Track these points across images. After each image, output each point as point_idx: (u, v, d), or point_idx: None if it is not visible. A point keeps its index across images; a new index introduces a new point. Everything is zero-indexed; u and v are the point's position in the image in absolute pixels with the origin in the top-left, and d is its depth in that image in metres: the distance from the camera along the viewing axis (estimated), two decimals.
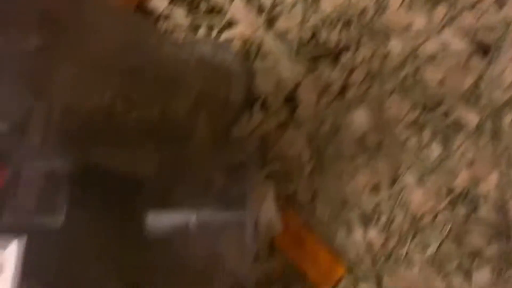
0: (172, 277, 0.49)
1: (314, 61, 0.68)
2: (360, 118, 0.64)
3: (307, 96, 0.67)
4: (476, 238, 0.58)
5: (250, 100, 0.67)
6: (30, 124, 0.36)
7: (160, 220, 0.44)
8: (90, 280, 0.42)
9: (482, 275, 0.56)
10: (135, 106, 0.52)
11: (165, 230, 0.44)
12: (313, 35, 0.67)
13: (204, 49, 0.64)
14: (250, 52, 0.68)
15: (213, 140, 0.60)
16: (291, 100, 0.67)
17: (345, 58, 0.66)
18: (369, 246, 0.60)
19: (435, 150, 0.62)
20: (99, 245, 0.42)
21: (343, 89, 0.66)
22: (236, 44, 0.66)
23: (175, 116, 0.55)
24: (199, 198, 0.48)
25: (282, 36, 0.67)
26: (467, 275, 0.57)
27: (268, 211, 0.62)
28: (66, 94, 0.44)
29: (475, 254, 0.57)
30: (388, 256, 0.59)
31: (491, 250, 0.57)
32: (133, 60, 0.54)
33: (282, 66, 0.68)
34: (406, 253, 0.59)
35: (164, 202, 0.45)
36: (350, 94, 0.66)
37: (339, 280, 0.59)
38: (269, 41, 0.67)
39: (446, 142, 0.62)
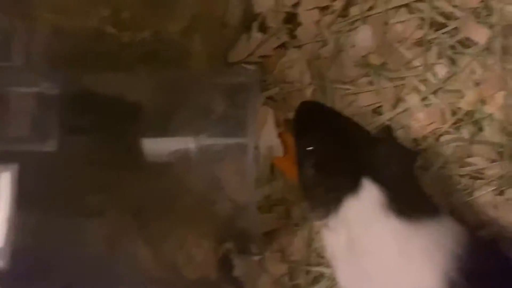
0: (172, 202, 0.49)
1: None
2: (363, 38, 0.62)
3: (307, 16, 0.63)
4: (479, 160, 0.57)
5: (248, 20, 0.64)
6: (13, 45, 0.34)
7: (158, 146, 0.43)
8: (87, 208, 0.42)
9: (484, 195, 0.57)
10: (127, 27, 0.49)
11: (163, 156, 0.44)
12: None
13: None
14: None
15: (210, 64, 0.58)
16: (290, 20, 0.64)
17: None
18: None
19: (441, 70, 0.60)
20: (95, 172, 0.41)
21: (346, 7, 0.63)
22: None
23: (169, 38, 0.52)
24: (198, 123, 0.47)
25: None
26: (470, 195, 0.57)
27: (268, 135, 0.61)
28: (51, 14, 0.41)
29: (478, 175, 0.57)
30: None
31: (493, 170, 0.57)
32: None
33: None
34: None
35: (162, 128, 0.44)
36: (353, 12, 0.63)
37: None
38: None
39: (452, 61, 0.60)
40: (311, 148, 0.48)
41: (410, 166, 0.48)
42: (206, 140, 0.45)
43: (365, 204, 0.44)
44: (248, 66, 0.63)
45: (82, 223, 0.45)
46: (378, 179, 0.44)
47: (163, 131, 0.44)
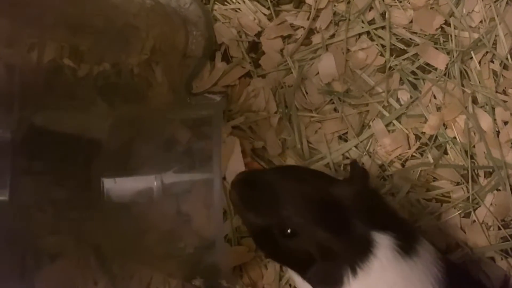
0: (135, 240, 0.47)
1: (277, 5, 0.64)
2: (326, 65, 0.62)
3: (270, 45, 0.63)
4: (444, 183, 0.58)
5: (211, 50, 0.63)
6: None
7: (119, 186, 0.41)
8: (46, 250, 0.39)
9: (452, 218, 0.57)
10: (83, 60, 0.47)
11: (125, 196, 0.42)
12: None
13: None
14: None
15: (173, 95, 0.57)
16: (254, 49, 0.64)
17: (310, 1, 0.63)
18: None
19: (403, 95, 0.61)
20: (54, 215, 0.39)
21: (308, 35, 0.63)
22: None
23: (129, 71, 0.51)
24: (161, 158, 0.45)
25: None
26: (437, 218, 0.57)
27: (235, 165, 0.60)
28: (2, 48, 0.39)
29: (444, 198, 0.58)
30: None
31: (459, 193, 0.58)
32: (79, 10, 0.49)
33: (243, 12, 0.64)
34: None
35: (123, 166, 0.42)
36: (315, 40, 0.63)
37: None
38: None
39: (414, 87, 0.61)
40: (288, 230, 0.40)
41: (384, 202, 0.46)
42: (170, 177, 0.43)
43: (384, 259, 0.40)
44: (213, 96, 0.62)
45: (42, 265, 0.43)
46: (381, 228, 0.40)
47: (123, 168, 0.42)
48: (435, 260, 0.43)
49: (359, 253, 0.40)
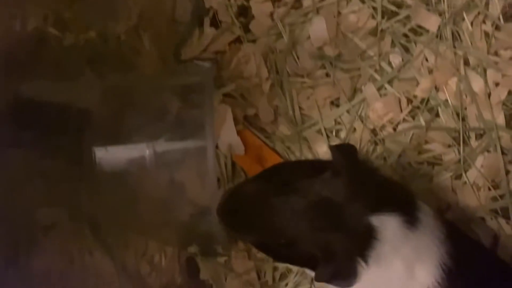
0: (130, 210, 0.47)
1: None
2: (317, 29, 0.61)
3: (260, 9, 0.62)
4: (436, 146, 0.58)
5: (199, 16, 0.62)
6: None
7: (110, 155, 0.41)
8: (40, 222, 0.39)
9: (443, 181, 0.58)
10: (69, 29, 0.46)
11: (117, 165, 0.41)
12: None
13: None
14: None
15: (162, 63, 0.56)
16: (243, 13, 0.62)
17: None
18: None
19: (395, 58, 0.60)
20: (45, 187, 0.39)
21: None
22: None
23: (116, 39, 0.49)
24: (152, 128, 0.45)
25: None
26: (429, 180, 0.58)
27: (228, 134, 0.60)
28: None
29: (436, 161, 0.58)
30: None
31: (450, 156, 0.58)
32: None
33: None
34: None
35: (114, 135, 0.42)
36: (306, 3, 0.62)
37: None
38: None
39: (406, 49, 0.60)
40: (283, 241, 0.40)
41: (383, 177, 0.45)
42: (162, 145, 0.43)
43: (393, 240, 0.39)
44: (202, 63, 0.61)
45: (37, 237, 0.43)
46: (382, 209, 0.40)
47: (115, 138, 0.42)
48: (436, 223, 0.43)
49: (365, 242, 0.39)
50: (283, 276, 0.59)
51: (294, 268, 0.58)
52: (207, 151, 0.43)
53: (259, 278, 0.59)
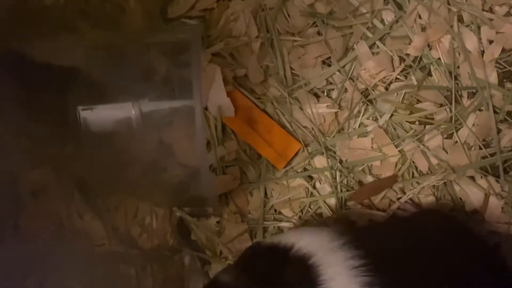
0: (119, 172, 0.46)
1: None
2: None
3: None
4: (428, 105, 0.58)
5: None
6: None
7: (96, 115, 0.40)
8: (28, 185, 0.39)
9: (434, 139, 0.57)
10: None
11: (103, 125, 0.40)
12: None
13: None
14: None
15: (148, 21, 0.54)
16: None
17: None
18: (322, 120, 0.59)
19: (388, 16, 0.59)
20: (30, 148, 0.38)
21: None
22: None
23: None
24: (140, 87, 0.44)
25: None
26: (420, 140, 0.58)
27: (217, 95, 0.58)
28: None
29: (427, 120, 0.58)
30: (341, 129, 0.59)
31: (442, 115, 0.58)
32: None
33: None
34: (360, 124, 0.59)
35: (99, 95, 0.40)
36: None
37: (295, 156, 0.59)
38: None
39: (399, 6, 0.59)
40: None
41: None
42: (150, 105, 0.42)
43: None
44: (190, 21, 0.59)
45: (25, 203, 0.42)
46: None
47: (100, 98, 0.40)
48: None
49: None
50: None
51: (285, 226, 0.58)
52: (195, 111, 0.42)
53: (250, 238, 0.59)
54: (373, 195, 0.57)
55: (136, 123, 0.41)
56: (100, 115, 0.40)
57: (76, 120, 0.39)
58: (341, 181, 0.58)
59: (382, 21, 0.59)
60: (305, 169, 0.59)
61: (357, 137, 0.58)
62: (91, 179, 0.46)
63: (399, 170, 0.57)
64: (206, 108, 0.59)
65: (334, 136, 0.58)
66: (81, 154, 0.41)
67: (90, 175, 0.46)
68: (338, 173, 0.58)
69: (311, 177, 0.59)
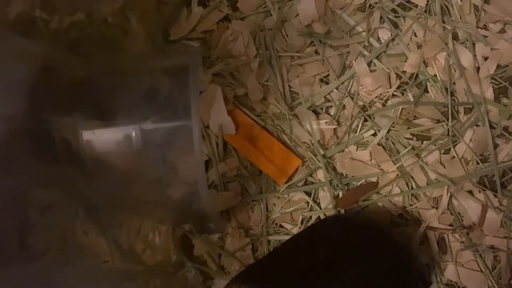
0: (123, 190, 0.47)
1: None
2: (306, 6, 0.61)
3: None
4: (425, 121, 0.59)
5: None
6: None
7: (101, 137, 0.41)
8: (35, 203, 0.40)
9: (432, 155, 0.58)
10: (56, 11, 0.46)
11: (108, 147, 0.42)
12: None
13: None
14: None
15: (150, 44, 0.56)
16: None
17: None
18: (321, 136, 0.60)
19: (384, 34, 0.60)
20: (40, 168, 0.39)
21: None
22: None
23: (102, 20, 0.49)
24: (140, 109, 0.45)
25: None
26: (418, 155, 0.58)
27: (218, 113, 0.60)
28: None
29: (424, 136, 0.59)
30: (339, 144, 0.60)
31: (439, 130, 0.59)
32: None
33: None
34: (358, 138, 0.60)
35: (101, 116, 0.42)
36: None
37: (295, 172, 0.60)
38: None
39: (395, 25, 0.60)
40: None
41: None
42: (152, 125, 0.43)
43: None
44: (191, 43, 0.61)
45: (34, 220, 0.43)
46: None
47: (102, 121, 0.42)
48: None
49: None
50: None
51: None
52: (193, 129, 0.43)
53: (253, 252, 0.60)
54: (356, 201, 0.58)
55: (139, 144, 0.42)
56: (103, 138, 0.41)
57: (78, 143, 0.41)
58: (338, 194, 0.59)
59: (378, 39, 0.61)
60: (305, 183, 0.60)
61: (356, 150, 0.59)
62: (95, 198, 0.48)
63: (396, 184, 0.58)
64: (207, 126, 0.60)
65: (333, 148, 0.59)
66: (85, 174, 0.43)
67: (94, 194, 0.47)
68: (338, 186, 0.59)
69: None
